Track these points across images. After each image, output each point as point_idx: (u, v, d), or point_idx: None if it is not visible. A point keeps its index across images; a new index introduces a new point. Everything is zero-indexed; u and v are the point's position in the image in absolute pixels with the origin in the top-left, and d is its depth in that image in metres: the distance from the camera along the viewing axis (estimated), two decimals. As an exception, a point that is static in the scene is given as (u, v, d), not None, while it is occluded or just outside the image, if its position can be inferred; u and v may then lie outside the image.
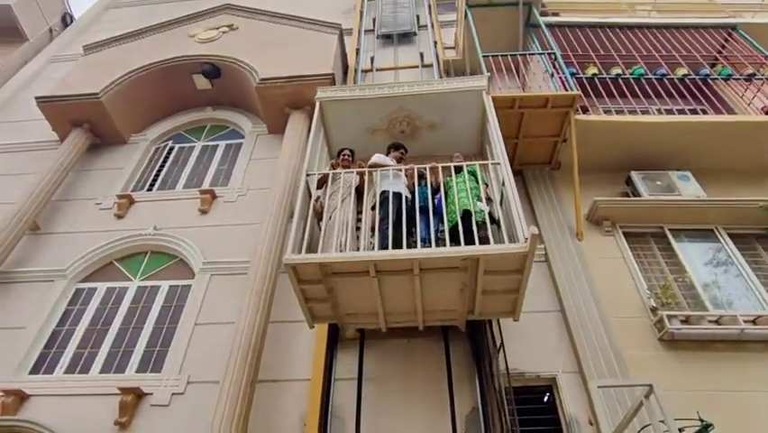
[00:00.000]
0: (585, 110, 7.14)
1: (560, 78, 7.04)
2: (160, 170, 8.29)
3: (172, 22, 9.84)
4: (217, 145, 8.60)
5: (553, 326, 5.54)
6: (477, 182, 4.91)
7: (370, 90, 6.11)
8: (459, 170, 5.09)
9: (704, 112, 7.92)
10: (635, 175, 6.64)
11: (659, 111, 7.36)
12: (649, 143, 6.81)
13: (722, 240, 6.22)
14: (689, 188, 6.47)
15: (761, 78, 7.45)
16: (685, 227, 6.31)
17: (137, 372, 5.73)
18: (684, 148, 6.80)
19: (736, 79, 7.70)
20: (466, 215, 4.54)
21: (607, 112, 7.26)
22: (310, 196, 5.06)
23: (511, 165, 6.57)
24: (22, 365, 5.89)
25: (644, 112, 7.19)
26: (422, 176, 4.92)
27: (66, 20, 14.43)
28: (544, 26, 8.09)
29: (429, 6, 11.33)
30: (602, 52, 7.92)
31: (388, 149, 5.65)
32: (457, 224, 4.44)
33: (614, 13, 9.41)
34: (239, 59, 8.40)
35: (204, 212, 7.21)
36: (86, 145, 8.35)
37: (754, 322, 5.14)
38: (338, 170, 5.18)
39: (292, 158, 7.01)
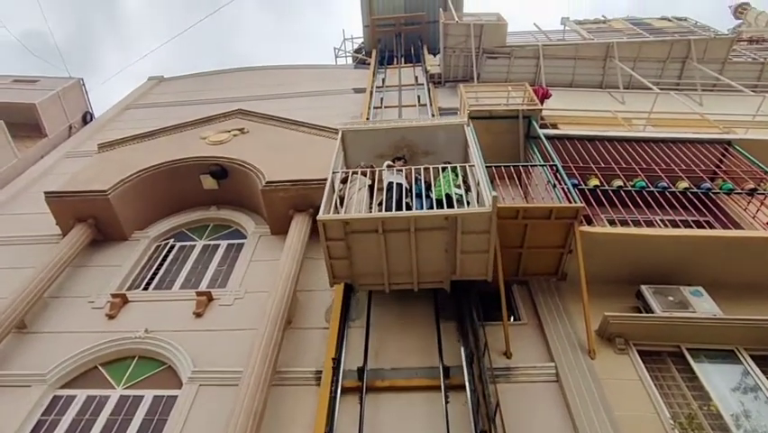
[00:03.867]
0: (589, 220, 7.11)
1: (562, 188, 7.10)
2: (158, 269, 8.15)
3: (186, 124, 10.27)
4: (218, 245, 8.55)
5: (569, 457, 5.03)
6: (457, 176, 6.47)
7: (379, 124, 8.03)
8: (444, 170, 6.57)
9: (708, 224, 7.86)
10: (645, 290, 6.43)
11: (663, 222, 7.33)
12: (657, 256, 6.68)
13: (745, 362, 5.85)
14: (703, 305, 6.22)
15: (763, 193, 7.50)
16: (704, 347, 5.96)
17: (106, 498, 5.15)
18: (693, 262, 6.66)
19: (738, 193, 7.76)
20: (447, 197, 5.99)
21: (610, 222, 7.24)
22: (334, 190, 6.35)
23: (516, 276, 6.49)
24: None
25: (648, 222, 7.13)
26: (417, 179, 6.56)
27: (86, 118, 15.17)
28: (543, 138, 8.35)
29: (432, 116, 11.87)
30: (602, 164, 8.06)
31: (394, 159, 7.24)
32: (442, 199, 5.99)
33: (610, 126, 9.76)
34: (247, 162, 8.61)
35: (198, 315, 6.95)
36: (88, 241, 8.29)
37: (791, 461, 4.65)
38: (356, 169, 6.75)
39: (293, 262, 6.89)
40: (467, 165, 6.66)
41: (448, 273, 6.18)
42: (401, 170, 6.66)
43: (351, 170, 6.74)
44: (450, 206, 5.82)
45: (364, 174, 6.66)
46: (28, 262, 8.04)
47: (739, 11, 22.94)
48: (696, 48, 13.38)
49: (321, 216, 5.75)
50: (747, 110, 10.93)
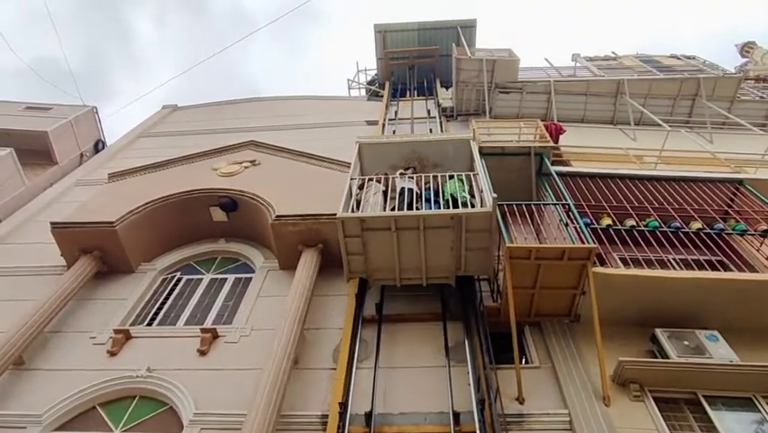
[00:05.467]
0: (601, 259, 7.00)
1: (575, 228, 7.00)
2: (163, 303, 7.99)
3: (198, 155, 10.28)
4: (226, 279, 8.42)
5: None
6: (463, 183, 7.19)
7: (393, 138, 9.09)
8: (451, 178, 7.36)
9: (721, 263, 7.75)
10: (660, 333, 6.27)
11: (676, 261, 7.21)
12: (672, 298, 6.54)
13: (762, 410, 5.66)
14: (719, 351, 6.05)
15: (776, 235, 7.37)
16: (720, 394, 5.78)
17: None
18: (708, 304, 6.53)
19: (751, 235, 7.64)
20: (453, 199, 6.74)
21: (623, 261, 7.13)
22: (351, 195, 7.05)
23: (528, 317, 6.35)
24: None
25: (661, 261, 6.99)
26: (427, 187, 7.23)
27: (98, 146, 15.28)
28: (555, 175, 8.29)
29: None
30: (614, 203, 7.97)
31: (405, 169, 7.94)
32: (449, 201, 6.79)
33: (622, 163, 9.71)
34: (257, 195, 8.55)
35: (202, 353, 6.78)
36: (92, 273, 8.16)
37: None
38: (371, 176, 7.46)
39: (301, 299, 6.78)
40: (471, 174, 7.47)
41: (453, 270, 6.87)
42: (412, 177, 7.41)
43: (366, 177, 7.43)
44: (455, 207, 6.54)
45: (378, 181, 7.33)
46: (30, 294, 7.82)
47: (745, 50, 23.17)
48: (705, 86, 13.41)
49: (340, 214, 6.48)
50: (756, 148, 10.87)
